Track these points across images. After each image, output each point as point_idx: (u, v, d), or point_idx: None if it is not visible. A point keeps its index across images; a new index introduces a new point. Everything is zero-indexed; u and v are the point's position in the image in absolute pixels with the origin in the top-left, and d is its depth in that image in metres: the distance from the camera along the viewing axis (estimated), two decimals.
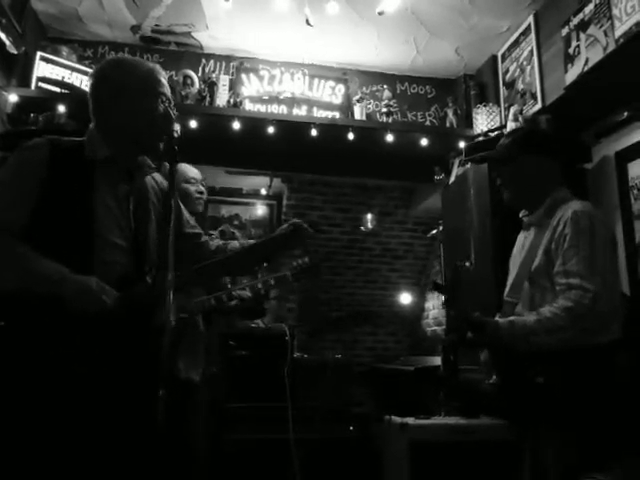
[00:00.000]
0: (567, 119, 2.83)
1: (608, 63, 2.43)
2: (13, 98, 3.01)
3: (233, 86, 3.56)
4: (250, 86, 3.59)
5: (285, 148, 3.52)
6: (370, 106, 3.76)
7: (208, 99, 3.44)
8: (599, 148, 2.94)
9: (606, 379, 1.61)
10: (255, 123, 3.34)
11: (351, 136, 3.42)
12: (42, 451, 1.26)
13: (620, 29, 2.32)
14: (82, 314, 1.30)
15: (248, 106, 3.51)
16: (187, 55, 3.63)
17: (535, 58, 3.07)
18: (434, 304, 4.81)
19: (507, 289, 1.88)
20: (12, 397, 1.28)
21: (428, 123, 3.85)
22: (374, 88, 3.83)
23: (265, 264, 2.05)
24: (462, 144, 3.41)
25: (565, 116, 2.84)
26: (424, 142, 3.52)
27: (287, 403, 2.64)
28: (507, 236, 2.11)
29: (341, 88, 3.72)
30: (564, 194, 1.85)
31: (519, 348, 1.69)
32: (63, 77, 3.21)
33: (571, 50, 2.68)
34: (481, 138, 3.32)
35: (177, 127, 1.48)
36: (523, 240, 1.93)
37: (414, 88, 3.89)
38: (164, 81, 1.55)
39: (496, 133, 3.23)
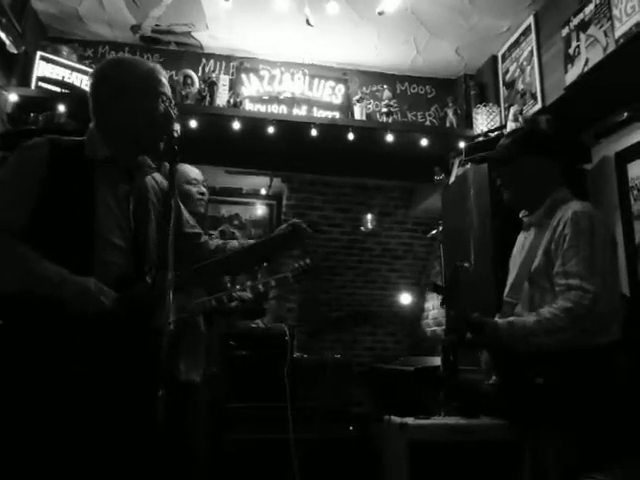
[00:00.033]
0: (567, 119, 2.83)
1: (608, 63, 2.43)
2: (13, 98, 3.00)
3: (233, 86, 3.56)
4: (250, 86, 3.59)
5: (285, 148, 3.51)
6: (370, 106, 3.76)
7: (208, 99, 3.44)
8: (599, 149, 2.94)
9: (606, 380, 1.61)
10: (255, 123, 3.34)
11: (351, 136, 3.41)
12: (42, 450, 1.26)
13: (620, 29, 2.32)
14: (78, 313, 1.30)
15: (248, 106, 3.51)
16: (187, 55, 3.63)
17: (535, 58, 3.08)
18: (434, 304, 4.81)
19: (507, 289, 1.88)
20: (12, 397, 1.28)
21: (428, 123, 3.85)
22: (374, 88, 3.83)
23: (265, 264, 2.06)
24: (462, 144, 3.41)
25: (565, 116, 2.84)
26: (424, 142, 3.52)
27: (287, 403, 2.64)
28: (507, 236, 2.11)
29: (341, 88, 3.72)
30: (564, 194, 1.85)
31: (518, 349, 1.69)
32: (63, 77, 3.21)
33: (571, 50, 2.68)
34: (481, 138, 3.32)
35: (177, 127, 1.48)
36: (523, 240, 1.93)
37: (414, 88, 3.89)
38: (165, 81, 1.54)
39: (496, 133, 3.23)
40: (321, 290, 4.78)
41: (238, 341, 3.01)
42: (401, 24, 3.25)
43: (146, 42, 3.55)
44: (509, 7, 3.10)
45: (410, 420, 2.25)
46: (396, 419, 2.31)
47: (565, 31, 2.73)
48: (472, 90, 3.66)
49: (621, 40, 2.31)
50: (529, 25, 3.16)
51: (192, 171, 2.36)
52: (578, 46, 2.62)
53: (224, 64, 3.66)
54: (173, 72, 3.49)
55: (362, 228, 4.38)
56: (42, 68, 3.16)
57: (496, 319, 1.77)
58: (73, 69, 3.25)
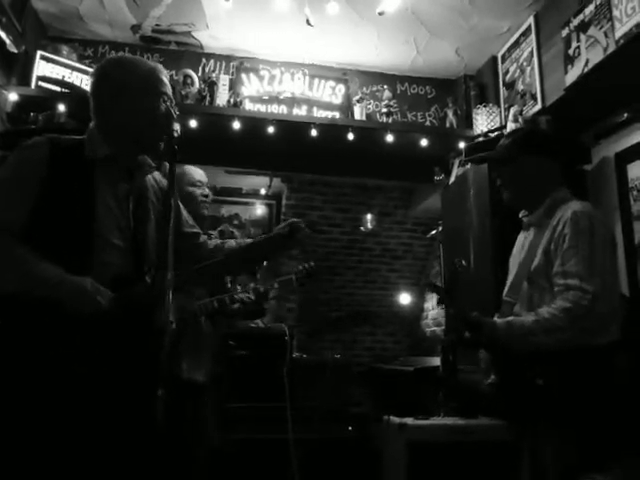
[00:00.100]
0: (567, 120, 2.83)
1: (608, 64, 2.43)
2: (13, 97, 3.00)
3: (233, 86, 3.56)
4: (250, 86, 3.59)
5: (285, 148, 3.51)
6: (370, 106, 3.76)
7: (208, 99, 3.44)
8: (599, 149, 2.94)
9: (605, 380, 1.61)
10: (255, 123, 3.34)
11: (351, 136, 3.41)
12: (42, 450, 1.26)
13: (620, 30, 2.32)
14: (77, 313, 1.30)
15: (248, 106, 3.51)
16: (187, 55, 3.63)
17: (535, 59, 3.08)
18: (433, 304, 4.81)
19: (506, 289, 1.89)
20: (11, 397, 1.28)
21: (428, 123, 3.85)
22: (374, 88, 3.83)
23: (264, 263, 2.06)
24: (462, 144, 3.41)
25: (565, 117, 2.84)
26: (424, 142, 3.52)
27: (286, 403, 2.64)
28: (506, 236, 2.12)
29: (341, 88, 3.72)
30: (564, 194, 1.85)
31: (517, 348, 1.69)
32: (63, 76, 3.21)
33: (571, 51, 2.68)
34: (481, 139, 3.32)
35: (177, 127, 1.48)
36: (523, 240, 1.93)
37: (414, 88, 3.89)
38: (166, 80, 1.54)
39: (496, 134, 3.23)
40: (321, 290, 4.78)
41: (238, 341, 3.00)
42: (401, 24, 3.25)
43: (146, 42, 3.55)
44: (509, 8, 3.10)
45: (409, 420, 2.26)
46: (395, 419, 2.31)
47: (565, 32, 2.73)
48: (472, 90, 3.66)
49: (621, 41, 2.31)
50: (529, 26, 3.16)
51: (197, 173, 2.35)
52: (578, 47, 2.62)
53: (224, 64, 3.66)
54: (173, 72, 3.49)
55: (362, 228, 4.37)
56: (42, 67, 3.16)
57: (495, 319, 1.77)
58: (73, 68, 3.25)
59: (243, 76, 3.60)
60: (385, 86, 3.81)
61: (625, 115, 2.71)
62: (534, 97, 3.06)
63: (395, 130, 3.51)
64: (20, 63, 3.11)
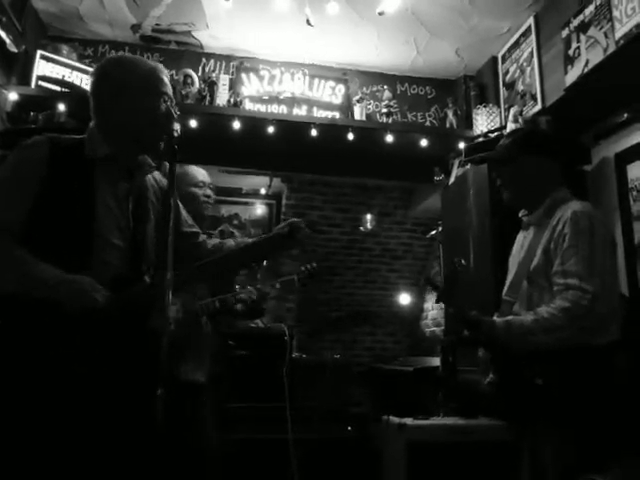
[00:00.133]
0: (567, 120, 2.83)
1: (608, 65, 2.43)
2: (13, 96, 3.00)
3: (233, 86, 3.56)
4: (250, 86, 3.58)
5: (285, 148, 3.51)
6: (370, 106, 3.76)
7: (208, 98, 3.44)
8: (598, 150, 2.94)
9: (604, 379, 1.61)
10: (255, 123, 3.33)
11: (351, 136, 3.41)
12: (42, 450, 1.26)
13: (620, 31, 2.32)
14: (76, 313, 1.30)
15: (248, 106, 3.51)
16: (187, 54, 3.63)
17: (535, 59, 3.08)
18: (433, 305, 4.81)
19: (506, 288, 1.89)
20: (11, 397, 1.28)
21: (428, 124, 3.85)
22: (374, 88, 3.83)
23: (264, 263, 2.06)
24: (462, 145, 3.41)
25: (565, 117, 2.84)
26: (424, 143, 3.52)
27: (286, 403, 2.64)
28: (506, 236, 2.12)
29: (341, 88, 3.72)
30: (564, 194, 1.85)
31: (516, 347, 1.69)
32: (63, 76, 3.21)
33: (571, 51, 2.68)
34: (481, 139, 3.32)
35: (177, 126, 1.47)
36: (522, 240, 1.93)
37: (414, 89, 3.89)
38: (166, 80, 1.54)
39: (496, 134, 3.23)
40: (320, 290, 4.78)
41: (237, 341, 3.00)
42: (401, 24, 3.25)
43: (146, 41, 3.55)
44: (509, 8, 3.11)
45: (409, 420, 2.26)
46: (395, 419, 2.31)
47: (565, 32, 2.73)
48: (472, 91, 3.66)
49: (621, 41, 2.31)
50: (529, 26, 3.16)
51: (199, 173, 2.34)
52: (578, 47, 2.62)
53: (224, 64, 3.66)
54: (173, 72, 3.49)
55: (362, 228, 4.38)
56: (42, 67, 3.16)
57: (494, 318, 1.78)
58: (73, 68, 3.25)
59: (243, 76, 3.60)
60: (385, 86, 3.81)
61: (625, 115, 2.71)
62: (534, 97, 3.06)
63: (395, 130, 3.51)
64: (20, 62, 3.11)
